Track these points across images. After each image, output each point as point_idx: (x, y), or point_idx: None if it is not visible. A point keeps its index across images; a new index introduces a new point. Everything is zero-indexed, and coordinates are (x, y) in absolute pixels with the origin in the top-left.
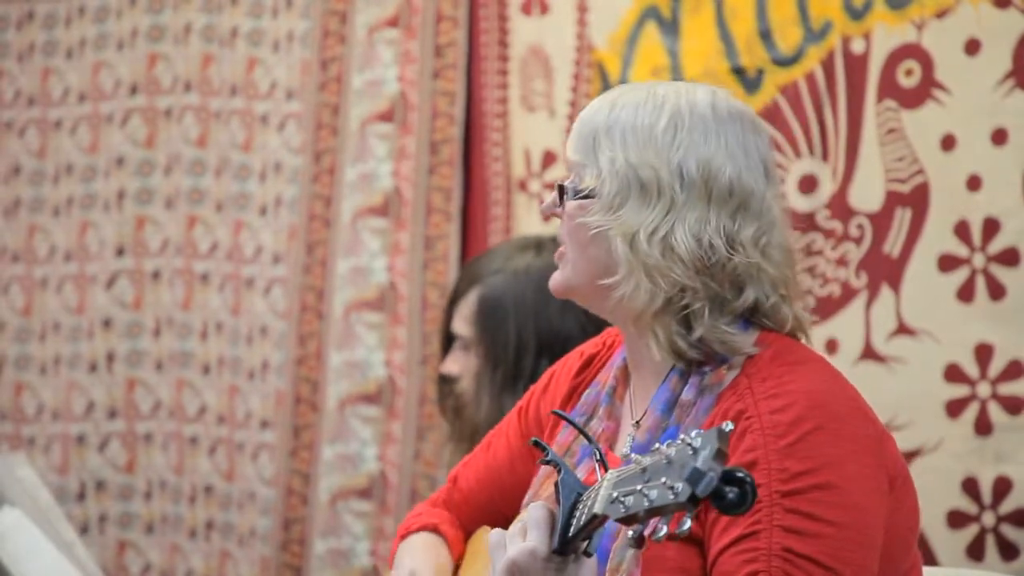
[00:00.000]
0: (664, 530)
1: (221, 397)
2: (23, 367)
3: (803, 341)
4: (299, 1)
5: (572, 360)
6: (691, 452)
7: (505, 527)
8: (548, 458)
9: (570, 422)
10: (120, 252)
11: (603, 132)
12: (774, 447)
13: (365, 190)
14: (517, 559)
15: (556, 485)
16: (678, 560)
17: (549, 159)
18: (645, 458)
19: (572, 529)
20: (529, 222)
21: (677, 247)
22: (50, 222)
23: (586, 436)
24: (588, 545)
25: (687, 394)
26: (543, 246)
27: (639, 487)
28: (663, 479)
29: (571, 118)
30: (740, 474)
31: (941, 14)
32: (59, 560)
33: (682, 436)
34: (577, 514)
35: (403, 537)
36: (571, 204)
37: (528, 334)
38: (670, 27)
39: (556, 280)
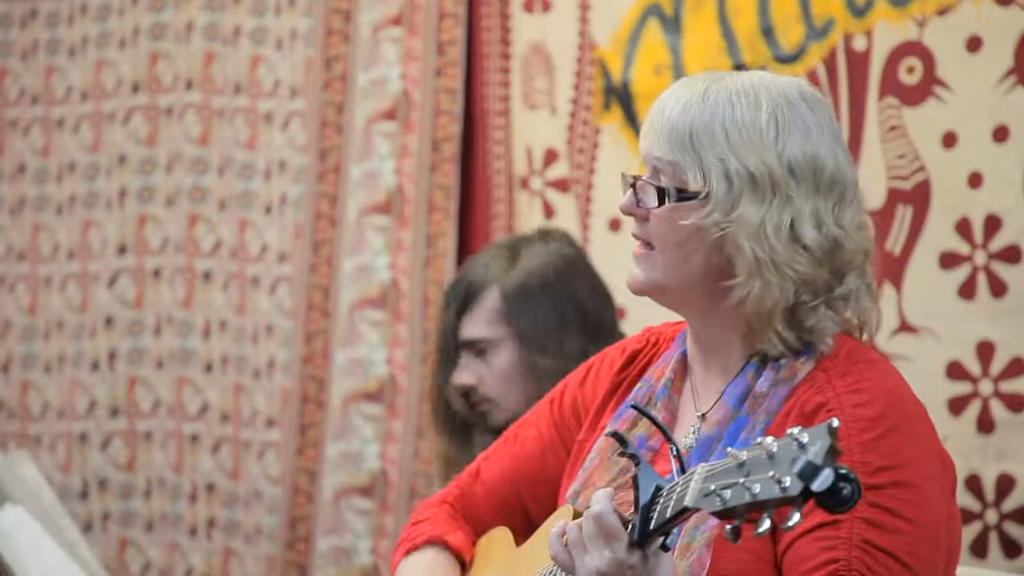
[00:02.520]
0: (767, 523)
1: (225, 395)
2: (29, 365)
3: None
4: None
5: (613, 355)
6: (798, 446)
7: (526, 521)
8: (628, 451)
9: (649, 417)
10: (122, 250)
11: (701, 130)
12: (857, 440)
13: (369, 188)
14: (604, 568)
15: (634, 479)
16: (747, 540)
17: (551, 157)
18: (742, 452)
19: (654, 522)
20: (531, 219)
21: (804, 238)
22: (54, 220)
23: (664, 432)
24: (667, 539)
25: (761, 386)
26: (547, 235)
27: (740, 480)
28: (770, 472)
29: (573, 115)
30: (846, 471)
31: (943, 11)
32: (61, 558)
33: (789, 431)
34: (658, 507)
35: (407, 552)
36: (669, 206)
37: (567, 309)
38: (672, 24)
39: (639, 280)
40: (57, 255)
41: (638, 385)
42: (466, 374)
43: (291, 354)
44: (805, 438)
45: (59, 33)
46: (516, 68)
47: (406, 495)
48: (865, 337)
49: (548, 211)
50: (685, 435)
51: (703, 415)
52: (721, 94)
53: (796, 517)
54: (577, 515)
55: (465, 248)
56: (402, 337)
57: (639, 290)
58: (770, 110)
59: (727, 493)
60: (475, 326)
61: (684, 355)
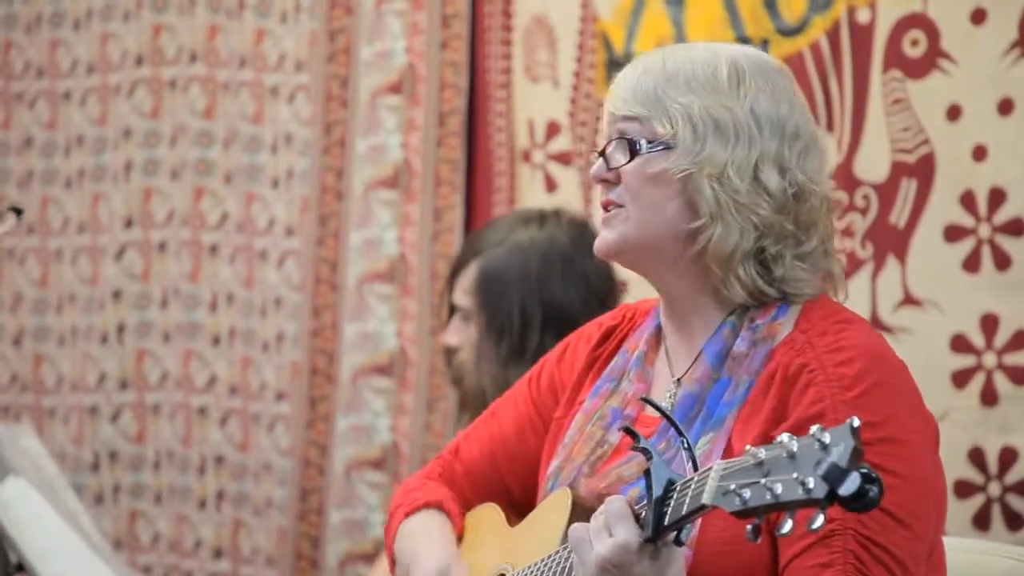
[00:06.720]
0: (789, 524)
1: (233, 368)
2: (41, 338)
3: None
4: None
5: (590, 331)
6: (819, 447)
7: (507, 499)
8: (640, 445)
9: (657, 408)
10: (128, 223)
11: (664, 82)
12: (841, 399)
13: (376, 162)
14: (609, 556)
15: (647, 473)
16: (721, 536)
17: (552, 130)
18: (761, 451)
19: (668, 517)
20: (532, 192)
21: (766, 181)
22: (63, 194)
23: (672, 423)
24: (680, 534)
25: (739, 346)
26: (546, 219)
27: (760, 480)
28: (793, 474)
29: (575, 88)
30: (870, 472)
31: None
32: (63, 529)
33: (812, 431)
34: (672, 502)
35: (407, 515)
36: (641, 159)
37: (533, 306)
38: None
39: (607, 240)
40: (67, 229)
41: (614, 359)
42: (451, 335)
43: (299, 327)
44: (827, 438)
45: (63, 6)
46: (518, 40)
47: (417, 468)
48: (841, 297)
49: (550, 184)
50: (661, 400)
51: (678, 380)
52: (679, 55)
53: (820, 519)
54: (576, 498)
55: (470, 222)
56: (411, 311)
57: (609, 250)
58: (729, 64)
59: (747, 492)
60: (458, 292)
61: (659, 327)
